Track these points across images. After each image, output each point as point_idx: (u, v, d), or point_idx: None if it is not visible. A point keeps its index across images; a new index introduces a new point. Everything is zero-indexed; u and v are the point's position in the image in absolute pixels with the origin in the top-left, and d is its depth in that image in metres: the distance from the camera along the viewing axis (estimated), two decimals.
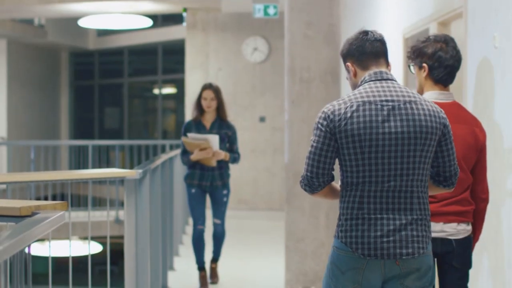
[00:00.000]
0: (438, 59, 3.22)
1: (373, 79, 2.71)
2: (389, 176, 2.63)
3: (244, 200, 11.66)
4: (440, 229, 3.16)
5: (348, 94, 2.72)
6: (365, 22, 7.91)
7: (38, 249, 10.67)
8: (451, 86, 3.40)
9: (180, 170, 8.05)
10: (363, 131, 2.61)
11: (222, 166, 6.13)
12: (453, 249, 3.17)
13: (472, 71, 4.44)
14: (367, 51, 2.74)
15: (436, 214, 3.15)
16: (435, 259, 3.16)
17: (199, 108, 6.12)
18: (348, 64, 2.78)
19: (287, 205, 6.11)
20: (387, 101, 2.65)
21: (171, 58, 15.66)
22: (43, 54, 16.23)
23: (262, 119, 11.68)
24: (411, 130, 2.63)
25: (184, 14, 11.42)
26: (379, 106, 2.63)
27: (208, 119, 6.14)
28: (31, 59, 15.66)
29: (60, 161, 13.29)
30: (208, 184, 6.10)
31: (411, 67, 3.34)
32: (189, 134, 5.96)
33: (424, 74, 3.27)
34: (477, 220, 3.32)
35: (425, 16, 5.71)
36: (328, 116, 2.65)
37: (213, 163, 5.99)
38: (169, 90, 16.33)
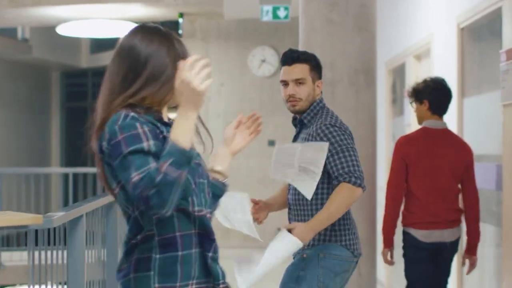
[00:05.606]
0: (436, 96, 4.20)
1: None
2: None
3: (250, 237, 10.16)
4: (440, 235, 4.16)
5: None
6: (406, 5, 6.44)
7: None
8: None
9: None
10: None
11: None
12: (446, 246, 4.19)
13: None
14: None
15: (438, 222, 4.15)
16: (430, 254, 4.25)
17: None
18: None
19: None
20: None
21: None
22: (30, 72, 15.35)
23: (271, 143, 10.62)
24: None
25: (180, 21, 10.39)
26: None
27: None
28: (16, 77, 14.77)
29: (47, 190, 11.96)
30: None
31: (412, 104, 4.32)
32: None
33: (425, 108, 4.22)
34: (474, 222, 4.23)
35: None
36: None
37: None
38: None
